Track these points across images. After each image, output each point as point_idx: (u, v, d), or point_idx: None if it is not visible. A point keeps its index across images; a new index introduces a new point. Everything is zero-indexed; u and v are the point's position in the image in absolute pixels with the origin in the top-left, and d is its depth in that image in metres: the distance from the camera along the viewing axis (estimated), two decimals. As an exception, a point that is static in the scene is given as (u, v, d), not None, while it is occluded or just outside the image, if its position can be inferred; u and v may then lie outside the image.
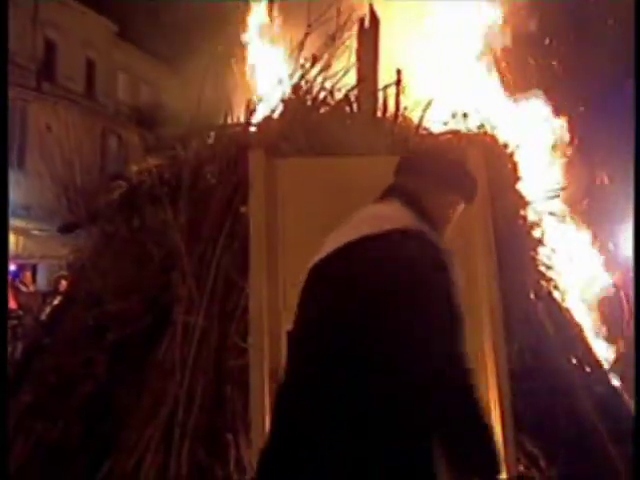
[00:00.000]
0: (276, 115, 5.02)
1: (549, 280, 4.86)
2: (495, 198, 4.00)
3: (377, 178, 3.57)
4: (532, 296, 4.61)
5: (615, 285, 6.17)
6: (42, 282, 15.37)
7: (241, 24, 7.20)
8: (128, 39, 24.99)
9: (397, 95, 5.06)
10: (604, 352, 5.22)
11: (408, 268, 1.91)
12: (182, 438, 3.91)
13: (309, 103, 5.05)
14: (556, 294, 4.88)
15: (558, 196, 5.67)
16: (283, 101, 5.07)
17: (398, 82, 5.06)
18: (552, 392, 4.12)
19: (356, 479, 1.82)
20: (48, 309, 5.74)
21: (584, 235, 6.20)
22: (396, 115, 5.04)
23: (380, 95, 5.07)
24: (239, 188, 4.34)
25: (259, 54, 6.67)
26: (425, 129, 5.01)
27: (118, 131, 21.95)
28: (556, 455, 3.98)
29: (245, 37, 6.81)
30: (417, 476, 1.84)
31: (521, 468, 3.83)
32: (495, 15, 6.68)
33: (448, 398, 1.82)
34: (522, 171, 5.07)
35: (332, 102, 5.06)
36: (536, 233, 5.03)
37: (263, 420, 3.38)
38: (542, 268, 4.91)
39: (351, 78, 5.14)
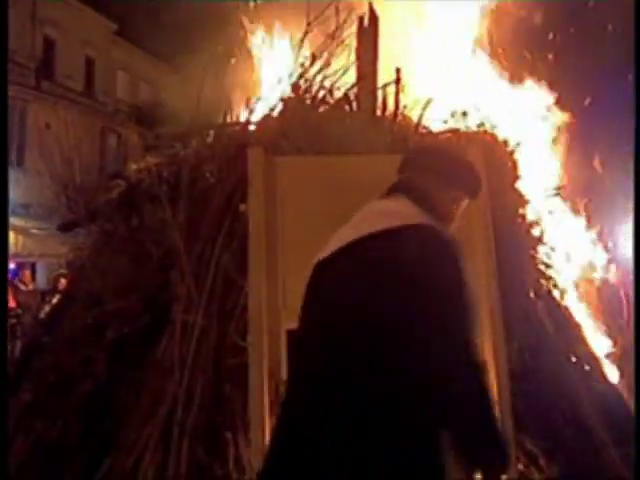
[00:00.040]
0: (275, 114, 5.02)
1: (549, 279, 4.86)
2: (495, 197, 4.00)
3: (376, 177, 3.56)
4: (532, 295, 4.62)
5: (615, 284, 6.17)
6: (41, 281, 15.37)
7: (241, 23, 7.19)
8: (127, 38, 24.99)
9: (396, 94, 5.06)
10: (603, 348, 5.22)
11: (425, 262, 1.91)
12: (181, 437, 3.90)
13: (308, 102, 5.06)
14: (555, 292, 4.88)
15: (557, 194, 5.68)
16: (282, 100, 5.07)
17: (397, 81, 5.06)
18: (552, 391, 4.12)
19: (370, 472, 1.81)
20: (47, 308, 5.74)
21: (584, 232, 6.20)
22: (395, 114, 5.04)
23: (379, 94, 5.07)
24: (238, 187, 4.34)
25: (260, 53, 6.66)
26: (424, 128, 5.01)
27: (117, 130, 21.93)
28: (555, 454, 3.99)
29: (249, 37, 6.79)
30: (427, 468, 1.83)
31: (521, 467, 3.84)
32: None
33: (463, 388, 1.82)
34: (522, 169, 5.07)
35: (331, 101, 5.07)
36: (535, 232, 5.03)
37: (262, 419, 3.38)
38: (541, 267, 4.91)
39: (350, 77, 5.14)
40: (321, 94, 5.06)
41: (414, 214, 2.07)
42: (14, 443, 4.22)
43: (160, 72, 25.35)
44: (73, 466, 4.07)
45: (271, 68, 6.13)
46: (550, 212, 5.26)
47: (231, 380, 4.00)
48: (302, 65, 5.19)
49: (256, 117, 5.11)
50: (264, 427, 3.38)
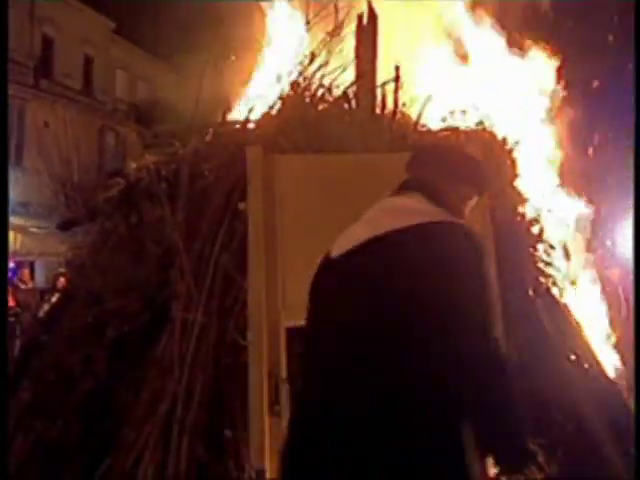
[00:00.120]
0: (274, 112, 5.02)
1: (548, 277, 4.86)
2: (494, 195, 4.01)
3: (375, 174, 3.58)
4: (531, 293, 4.62)
5: (613, 283, 6.17)
6: (40, 279, 15.38)
7: (240, 22, 7.19)
8: (126, 36, 24.97)
9: (395, 92, 5.06)
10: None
11: (454, 259, 1.92)
12: (181, 435, 3.90)
13: (307, 100, 5.05)
14: (555, 290, 4.88)
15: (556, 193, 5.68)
16: (281, 98, 5.07)
17: (396, 79, 5.06)
18: (551, 389, 4.13)
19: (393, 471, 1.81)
20: (46, 306, 5.73)
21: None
22: (394, 112, 5.04)
23: (378, 92, 5.07)
24: (237, 185, 4.34)
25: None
26: (423, 126, 5.01)
27: (116, 128, 21.94)
28: (555, 452, 3.99)
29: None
30: (452, 467, 1.83)
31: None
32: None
33: (492, 386, 1.83)
34: (521, 166, 5.08)
35: (330, 99, 5.06)
36: (534, 229, 5.03)
37: (262, 417, 3.38)
38: (541, 265, 4.91)
39: (349, 75, 5.14)
40: (320, 92, 5.06)
41: (436, 211, 2.08)
42: (14, 443, 4.22)
43: (159, 71, 25.36)
44: (73, 465, 4.07)
45: (270, 66, 6.13)
46: (549, 210, 5.25)
47: (231, 378, 4.00)
48: (301, 63, 5.19)
49: (255, 115, 5.11)
50: (263, 425, 3.39)
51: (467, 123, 5.03)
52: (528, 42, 6.42)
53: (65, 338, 4.65)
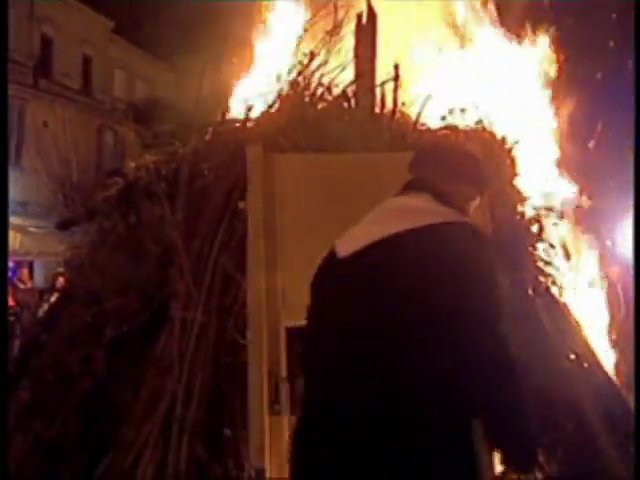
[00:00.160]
0: (274, 111, 5.02)
1: (547, 276, 4.86)
2: (494, 194, 4.00)
3: (375, 174, 3.58)
4: (530, 292, 4.62)
5: (612, 282, 6.17)
6: (39, 279, 15.38)
7: (240, 22, 7.19)
8: (125, 36, 24.96)
9: (395, 91, 5.06)
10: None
11: (468, 259, 1.92)
12: (180, 434, 3.90)
13: (307, 99, 5.05)
14: (554, 290, 4.88)
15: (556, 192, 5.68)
16: (281, 97, 5.07)
17: (396, 78, 5.06)
18: (550, 388, 4.12)
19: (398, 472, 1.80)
20: (45, 306, 5.73)
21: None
22: (394, 111, 5.04)
23: (378, 91, 5.07)
24: (237, 184, 4.34)
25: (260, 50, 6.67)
26: (423, 125, 5.01)
27: (115, 127, 21.91)
28: (555, 451, 3.99)
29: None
30: (462, 467, 1.83)
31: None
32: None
33: (498, 381, 1.83)
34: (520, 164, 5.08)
35: (330, 98, 5.06)
36: (534, 229, 5.03)
37: (261, 416, 3.38)
38: (540, 264, 4.91)
39: (349, 74, 5.14)
40: (319, 91, 5.06)
41: (446, 212, 2.07)
42: (13, 442, 4.22)
43: (158, 70, 25.36)
44: (72, 465, 4.06)
45: (270, 65, 6.13)
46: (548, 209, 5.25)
47: (230, 377, 4.00)
48: (300, 62, 5.19)
49: (254, 114, 5.10)
50: (263, 424, 3.39)
51: (466, 122, 5.02)
52: (529, 34, 6.42)
53: (64, 338, 4.64)
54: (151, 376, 4.13)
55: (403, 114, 5.08)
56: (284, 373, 3.48)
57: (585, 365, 4.65)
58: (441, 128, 4.94)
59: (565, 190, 5.87)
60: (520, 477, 2.10)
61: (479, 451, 1.83)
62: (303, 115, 4.77)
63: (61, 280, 6.60)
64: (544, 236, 5.01)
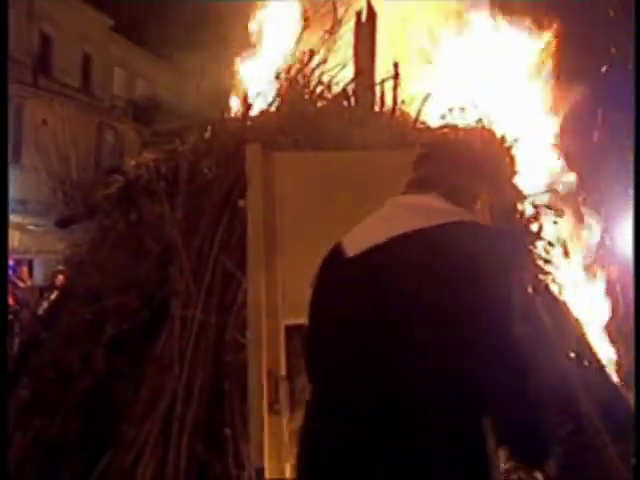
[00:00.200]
0: (273, 109, 5.02)
1: (547, 274, 4.86)
2: (493, 192, 4.00)
3: (374, 172, 3.58)
4: (530, 290, 4.61)
5: (611, 280, 6.17)
6: (39, 277, 15.37)
7: (240, 20, 7.19)
8: (124, 34, 24.94)
9: (394, 89, 5.06)
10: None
11: (483, 260, 1.89)
12: (180, 432, 3.90)
13: (306, 97, 5.05)
14: (554, 288, 4.88)
15: (555, 190, 5.67)
16: (280, 95, 5.07)
17: (395, 76, 5.06)
18: (550, 387, 4.12)
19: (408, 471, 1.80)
20: (45, 304, 5.72)
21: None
22: (393, 109, 5.04)
23: (377, 89, 5.07)
24: (237, 182, 4.34)
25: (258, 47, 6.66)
26: (422, 123, 5.00)
27: (114, 125, 21.91)
28: (554, 449, 3.98)
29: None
30: (473, 467, 1.82)
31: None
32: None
33: (515, 380, 1.81)
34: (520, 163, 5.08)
35: (329, 96, 5.06)
36: (533, 227, 5.02)
37: (261, 414, 3.38)
38: (540, 262, 4.91)
39: (349, 72, 5.14)
40: (319, 89, 5.06)
41: (458, 211, 2.05)
42: (13, 440, 4.22)
43: (157, 68, 25.35)
44: (72, 463, 4.07)
45: (269, 63, 6.12)
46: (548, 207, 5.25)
47: (230, 376, 4.00)
48: (300, 60, 5.18)
49: (254, 112, 5.10)
50: (263, 423, 3.38)
51: (466, 121, 5.02)
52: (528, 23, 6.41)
53: (64, 336, 4.65)
54: (151, 374, 4.13)
55: (403, 112, 5.08)
56: (283, 372, 3.48)
57: (585, 363, 4.66)
58: (441, 127, 4.94)
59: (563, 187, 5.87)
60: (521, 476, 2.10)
61: (491, 449, 1.82)
62: (302, 113, 4.77)
63: (61, 278, 6.59)
64: (543, 234, 5.01)
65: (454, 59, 6.14)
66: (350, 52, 5.23)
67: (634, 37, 4.63)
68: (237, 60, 6.86)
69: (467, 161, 2.22)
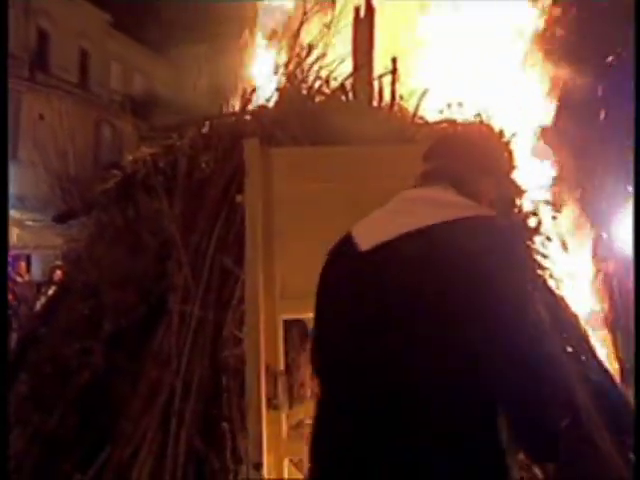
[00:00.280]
0: (271, 104, 5.01)
1: (545, 269, 4.86)
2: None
3: (373, 167, 3.58)
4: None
5: (608, 274, 6.19)
6: (36, 273, 15.36)
7: (238, 16, 7.18)
8: (122, 29, 24.90)
9: (393, 84, 5.05)
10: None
11: (503, 256, 1.83)
12: (179, 427, 3.91)
13: (304, 92, 5.04)
14: (551, 283, 4.88)
15: (553, 185, 5.69)
16: (278, 90, 5.06)
17: (394, 71, 5.05)
18: (551, 381, 4.13)
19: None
20: (43, 299, 5.73)
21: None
22: (392, 104, 5.03)
23: (376, 84, 5.07)
24: (234, 177, 4.33)
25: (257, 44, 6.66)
26: (421, 118, 5.00)
27: (112, 121, 21.87)
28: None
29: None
30: (490, 467, 1.80)
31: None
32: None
33: (534, 381, 1.79)
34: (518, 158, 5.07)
35: (327, 91, 5.05)
36: (531, 222, 5.03)
37: (259, 410, 3.38)
38: (538, 257, 4.91)
39: (347, 67, 5.14)
40: (317, 84, 5.05)
41: (473, 205, 2.00)
42: (11, 436, 4.22)
43: (155, 63, 25.29)
44: (70, 458, 4.07)
45: (267, 59, 6.12)
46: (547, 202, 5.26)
47: (228, 371, 4.00)
48: (298, 55, 5.18)
49: (252, 107, 5.10)
50: (261, 418, 3.38)
51: (464, 115, 5.01)
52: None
53: (62, 331, 4.65)
54: (149, 369, 4.13)
55: (401, 107, 5.08)
56: (282, 367, 3.48)
57: (582, 358, 4.67)
58: (439, 121, 4.93)
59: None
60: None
61: (502, 450, 1.81)
62: (300, 108, 4.76)
63: (59, 273, 6.58)
64: (542, 229, 5.01)
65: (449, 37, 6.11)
66: (348, 47, 5.22)
67: (634, 37, 4.63)
68: (235, 55, 6.86)
69: (481, 155, 2.16)
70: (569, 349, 4.63)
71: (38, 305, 5.80)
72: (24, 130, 19.30)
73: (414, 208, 2.01)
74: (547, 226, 5.17)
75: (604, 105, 8.36)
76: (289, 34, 5.95)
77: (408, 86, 5.27)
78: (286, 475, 3.44)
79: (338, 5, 5.55)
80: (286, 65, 5.22)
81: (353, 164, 3.65)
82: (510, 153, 4.48)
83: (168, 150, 5.10)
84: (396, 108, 5.04)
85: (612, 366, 5.02)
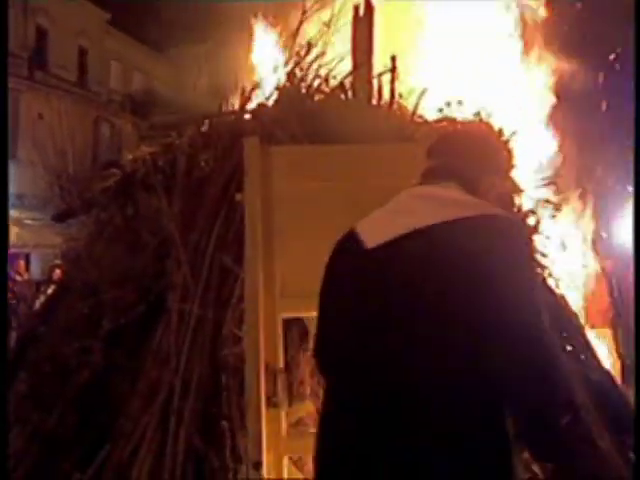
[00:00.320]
0: (271, 102, 5.01)
1: (544, 268, 4.86)
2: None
3: (372, 165, 3.58)
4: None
5: (607, 273, 6.19)
6: (36, 271, 15.37)
7: (236, 13, 7.17)
8: (121, 28, 24.89)
9: (392, 82, 5.05)
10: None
11: (513, 254, 1.84)
12: (178, 426, 3.90)
13: (304, 90, 5.04)
14: (551, 282, 4.88)
15: (553, 183, 5.68)
16: (278, 88, 5.06)
17: (393, 69, 5.05)
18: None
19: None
20: (42, 298, 5.73)
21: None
22: (391, 102, 5.03)
23: (375, 82, 5.07)
24: (234, 176, 4.33)
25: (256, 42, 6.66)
26: (420, 116, 5.00)
27: (111, 119, 21.87)
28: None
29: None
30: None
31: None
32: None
33: (545, 381, 1.78)
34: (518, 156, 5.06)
35: (327, 89, 5.05)
36: (531, 221, 5.03)
37: (258, 408, 3.38)
38: (537, 256, 4.91)
39: (347, 65, 5.13)
40: (316, 83, 5.05)
41: (482, 203, 1.98)
42: (10, 434, 4.22)
43: (154, 62, 25.30)
44: (70, 457, 4.07)
45: (267, 57, 6.12)
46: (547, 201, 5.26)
47: (228, 369, 4.00)
48: (297, 54, 5.18)
49: (251, 106, 5.10)
50: (260, 416, 3.38)
51: (464, 114, 5.01)
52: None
53: (61, 330, 4.65)
54: (148, 368, 4.13)
55: (400, 106, 5.07)
56: (281, 365, 3.48)
57: (582, 357, 4.66)
58: (438, 120, 4.93)
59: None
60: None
61: (505, 451, 1.80)
62: (300, 107, 4.76)
63: (58, 272, 6.60)
64: (541, 229, 5.01)
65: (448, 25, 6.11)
66: (348, 45, 5.22)
67: (634, 37, 4.62)
68: (234, 53, 6.86)
69: (484, 152, 2.14)
70: (569, 348, 4.63)
71: (37, 304, 5.82)
72: (23, 129, 19.30)
73: (419, 206, 2.00)
74: (546, 225, 5.17)
75: (605, 97, 8.37)
76: (288, 33, 5.95)
77: (407, 84, 5.27)
78: (285, 473, 3.44)
79: (337, 3, 5.54)
80: (285, 63, 5.21)
81: (352, 162, 3.65)
82: (509, 152, 4.48)
83: (167, 149, 5.10)
84: (395, 106, 5.04)
85: (614, 364, 5.02)
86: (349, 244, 2.02)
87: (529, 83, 6.27)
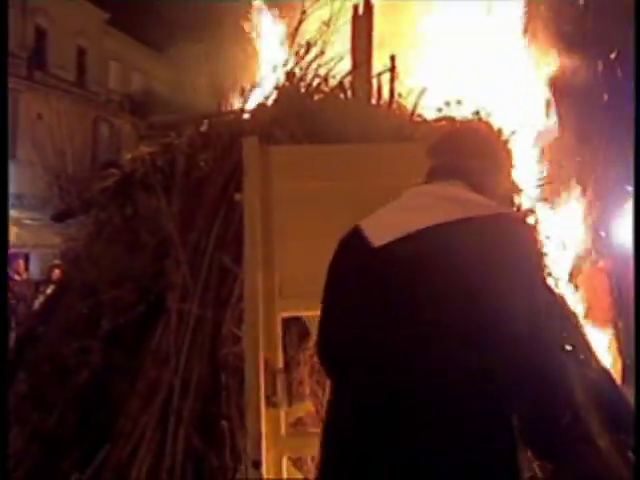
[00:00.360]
0: (270, 102, 5.01)
1: (545, 267, 4.86)
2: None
3: (372, 165, 3.58)
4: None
5: (607, 272, 6.18)
6: (35, 271, 15.36)
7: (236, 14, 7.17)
8: (120, 27, 24.88)
9: (391, 82, 5.05)
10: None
11: (522, 253, 1.84)
12: (177, 425, 3.91)
13: (303, 90, 5.04)
14: (550, 281, 4.88)
15: (551, 182, 5.68)
16: (277, 88, 5.06)
17: (392, 69, 5.05)
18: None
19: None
20: (41, 298, 5.73)
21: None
22: (390, 102, 5.03)
23: (374, 82, 5.06)
24: (233, 176, 4.33)
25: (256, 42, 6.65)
26: (419, 116, 5.00)
27: (110, 119, 21.86)
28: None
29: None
30: (502, 467, 1.78)
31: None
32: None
33: (555, 379, 1.79)
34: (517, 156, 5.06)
35: (326, 89, 5.05)
36: (530, 220, 5.02)
37: (258, 408, 3.38)
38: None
39: (346, 65, 5.13)
40: (316, 82, 5.05)
41: (489, 202, 1.98)
42: (10, 434, 4.22)
43: (153, 62, 25.28)
44: (69, 456, 4.07)
45: (266, 56, 6.11)
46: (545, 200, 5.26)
47: (227, 369, 4.00)
48: (297, 53, 5.18)
49: (251, 106, 5.10)
50: (260, 416, 3.38)
51: (463, 113, 5.01)
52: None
53: (60, 329, 4.64)
54: (148, 368, 4.13)
55: (400, 105, 5.07)
56: (281, 364, 3.48)
57: (581, 357, 4.66)
58: (438, 119, 4.93)
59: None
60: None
61: (507, 450, 1.80)
62: (299, 106, 4.76)
63: (57, 272, 6.60)
64: (539, 228, 5.01)
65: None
66: (347, 45, 5.22)
67: (634, 37, 4.62)
68: (233, 53, 6.85)
69: (486, 150, 2.14)
70: (568, 348, 4.63)
71: (36, 304, 5.81)
72: (22, 129, 19.28)
73: (428, 204, 1.99)
74: (546, 224, 5.17)
75: (604, 97, 8.36)
76: (288, 32, 5.95)
77: (407, 84, 5.27)
78: (285, 473, 3.44)
79: (337, 3, 5.53)
80: (285, 63, 5.21)
81: (352, 162, 3.65)
82: (509, 151, 4.47)
83: (166, 148, 5.09)
84: (395, 106, 5.04)
85: (614, 364, 5.01)
86: (354, 241, 2.01)
87: (529, 83, 6.26)
